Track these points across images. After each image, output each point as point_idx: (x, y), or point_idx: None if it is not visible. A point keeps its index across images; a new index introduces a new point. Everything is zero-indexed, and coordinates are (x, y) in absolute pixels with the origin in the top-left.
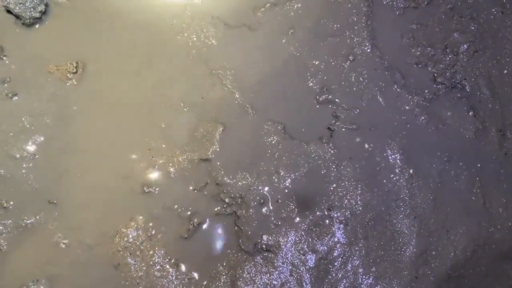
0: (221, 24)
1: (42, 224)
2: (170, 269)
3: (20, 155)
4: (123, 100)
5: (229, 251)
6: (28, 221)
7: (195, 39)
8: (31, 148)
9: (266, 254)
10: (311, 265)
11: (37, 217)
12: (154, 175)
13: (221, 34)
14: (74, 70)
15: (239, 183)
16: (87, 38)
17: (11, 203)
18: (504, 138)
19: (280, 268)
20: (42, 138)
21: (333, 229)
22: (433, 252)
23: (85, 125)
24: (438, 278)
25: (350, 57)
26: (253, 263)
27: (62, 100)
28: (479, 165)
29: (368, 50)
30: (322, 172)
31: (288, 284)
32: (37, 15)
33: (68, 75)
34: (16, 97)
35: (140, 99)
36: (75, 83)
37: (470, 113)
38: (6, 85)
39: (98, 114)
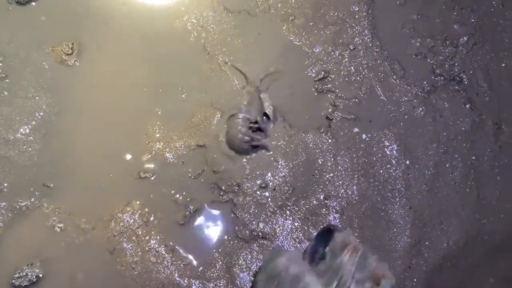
0: (221, 8)
1: (37, 207)
2: (166, 255)
3: (14, 137)
4: (119, 84)
5: (225, 238)
6: (22, 204)
7: (194, 23)
8: (25, 130)
9: (262, 241)
10: None
11: (32, 199)
12: (150, 160)
13: (221, 18)
14: (70, 52)
15: (237, 170)
16: (83, 19)
17: (5, 185)
18: (500, 131)
19: None
20: (36, 121)
21: (329, 218)
22: (427, 243)
23: (80, 108)
24: (431, 268)
25: (350, 46)
26: (249, 250)
27: (56, 82)
28: (474, 157)
29: (368, 40)
30: (320, 162)
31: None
32: None
33: (63, 56)
34: (7, 79)
35: (137, 84)
36: (70, 64)
37: (467, 106)
38: None
39: (93, 97)
